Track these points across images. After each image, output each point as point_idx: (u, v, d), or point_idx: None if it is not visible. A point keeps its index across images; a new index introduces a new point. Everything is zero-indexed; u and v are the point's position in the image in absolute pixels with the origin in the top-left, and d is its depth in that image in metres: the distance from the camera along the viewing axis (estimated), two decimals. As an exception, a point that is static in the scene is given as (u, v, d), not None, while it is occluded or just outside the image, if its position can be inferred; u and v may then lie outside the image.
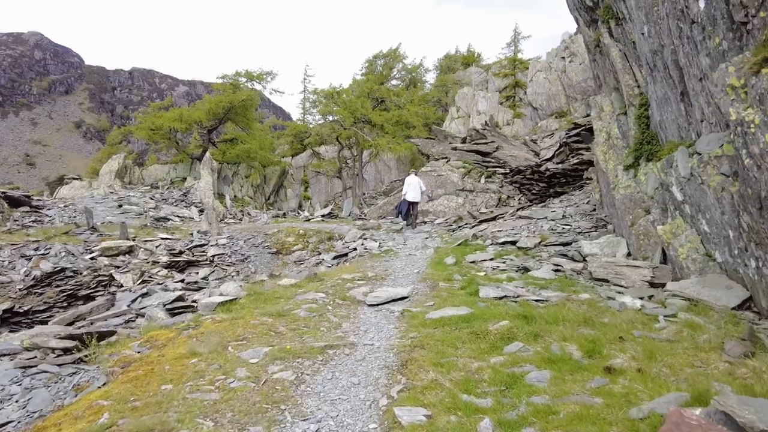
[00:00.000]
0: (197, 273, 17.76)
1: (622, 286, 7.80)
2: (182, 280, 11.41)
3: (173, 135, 38.01)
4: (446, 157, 19.92)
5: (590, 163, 18.06)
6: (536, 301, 7.17)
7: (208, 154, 36.35)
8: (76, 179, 38.86)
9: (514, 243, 11.69)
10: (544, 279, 8.63)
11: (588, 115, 23.99)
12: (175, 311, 7.26)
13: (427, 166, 19.93)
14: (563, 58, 34.77)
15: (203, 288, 10.74)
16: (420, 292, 8.17)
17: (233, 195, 39.36)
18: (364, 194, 42.89)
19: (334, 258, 16.08)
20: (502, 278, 8.69)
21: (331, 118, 35.86)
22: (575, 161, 18.15)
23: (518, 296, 7.42)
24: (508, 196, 18.05)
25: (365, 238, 16.95)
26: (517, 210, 15.99)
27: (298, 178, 47.74)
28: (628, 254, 9.86)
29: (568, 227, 13.03)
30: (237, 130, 40.68)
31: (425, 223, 18.54)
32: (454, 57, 55.85)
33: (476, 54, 58.92)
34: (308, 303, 7.37)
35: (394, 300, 7.57)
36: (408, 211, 18.31)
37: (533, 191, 17.78)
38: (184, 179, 39.93)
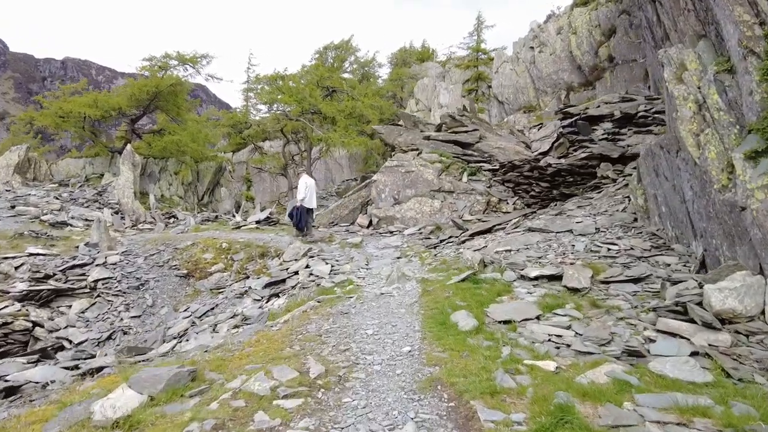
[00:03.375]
0: (69, 307, 12.02)
1: None
2: None
3: (88, 123, 31.15)
4: (417, 149, 15.00)
5: (602, 158, 13.66)
6: None
7: (129, 146, 29.95)
8: (-36, 174, 31.23)
9: (554, 278, 6.87)
10: (694, 385, 3.81)
11: (565, 108, 19.58)
12: None
13: (393, 159, 14.94)
14: (532, 47, 30.71)
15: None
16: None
17: (160, 194, 32.96)
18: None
19: (266, 286, 10.90)
20: (606, 386, 3.80)
21: (275, 108, 30.18)
22: (583, 155, 13.69)
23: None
24: (500, 200, 13.36)
25: (311, 257, 11.79)
26: (522, 218, 11.27)
27: (240, 175, 41.63)
28: (784, 309, 5.29)
29: (614, 248, 8.38)
30: (169, 121, 34.17)
31: (392, 233, 13.55)
32: (409, 51, 51.11)
33: (431, 50, 54.59)
34: None
35: None
36: (305, 220, 13.61)
37: (532, 193, 13.18)
38: (102, 176, 33.09)
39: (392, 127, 15.83)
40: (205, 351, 5.29)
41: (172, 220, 25.20)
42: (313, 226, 14.28)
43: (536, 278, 6.92)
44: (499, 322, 5.47)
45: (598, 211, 10.44)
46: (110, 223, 21.34)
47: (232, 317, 10.28)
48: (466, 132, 15.07)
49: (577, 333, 5.03)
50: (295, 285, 10.15)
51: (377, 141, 29.24)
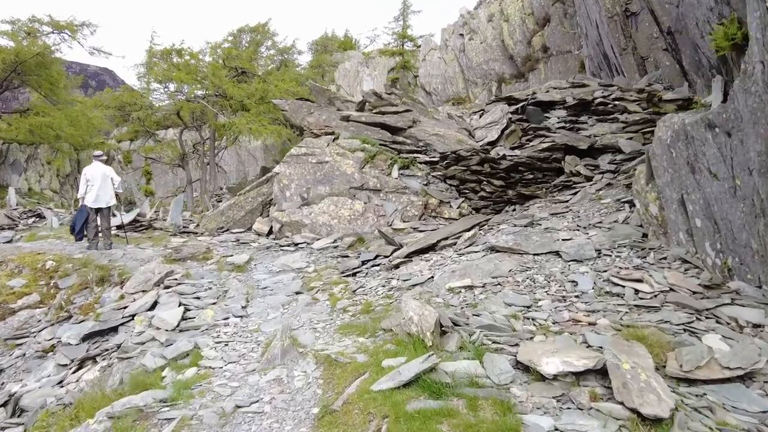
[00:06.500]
0: None
1: None
2: None
3: None
4: (332, 133, 11.05)
5: (567, 150, 10.48)
6: None
7: (-21, 128, 23.43)
8: None
9: (588, 374, 3.29)
10: None
11: (508, 95, 16.31)
12: None
13: (301, 145, 10.86)
14: (461, 35, 27.73)
15: None
16: None
17: (27, 188, 26.37)
18: (221, 189, 32.22)
19: (85, 338, 6.55)
20: None
21: (170, 87, 24.75)
22: (544, 146, 10.43)
23: None
24: (441, 201, 9.78)
25: (168, 288, 7.47)
26: (475, 229, 7.68)
27: (139, 167, 35.35)
28: None
29: (645, 288, 4.98)
30: (43, 100, 27.38)
31: (296, 246, 9.52)
32: (331, 38, 46.90)
33: (354, 40, 50.85)
34: None
35: None
36: (89, 225, 9.41)
37: (482, 193, 9.72)
38: (-54, 164, 25.91)
39: (300, 103, 11.68)
40: None
41: (33, 220, 19.34)
42: (104, 231, 9.79)
43: (555, 377, 3.26)
44: None
45: (588, 222, 7.07)
46: None
47: (2, 405, 5.84)
48: (396, 113, 11.32)
49: None
50: (124, 344, 5.86)
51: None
